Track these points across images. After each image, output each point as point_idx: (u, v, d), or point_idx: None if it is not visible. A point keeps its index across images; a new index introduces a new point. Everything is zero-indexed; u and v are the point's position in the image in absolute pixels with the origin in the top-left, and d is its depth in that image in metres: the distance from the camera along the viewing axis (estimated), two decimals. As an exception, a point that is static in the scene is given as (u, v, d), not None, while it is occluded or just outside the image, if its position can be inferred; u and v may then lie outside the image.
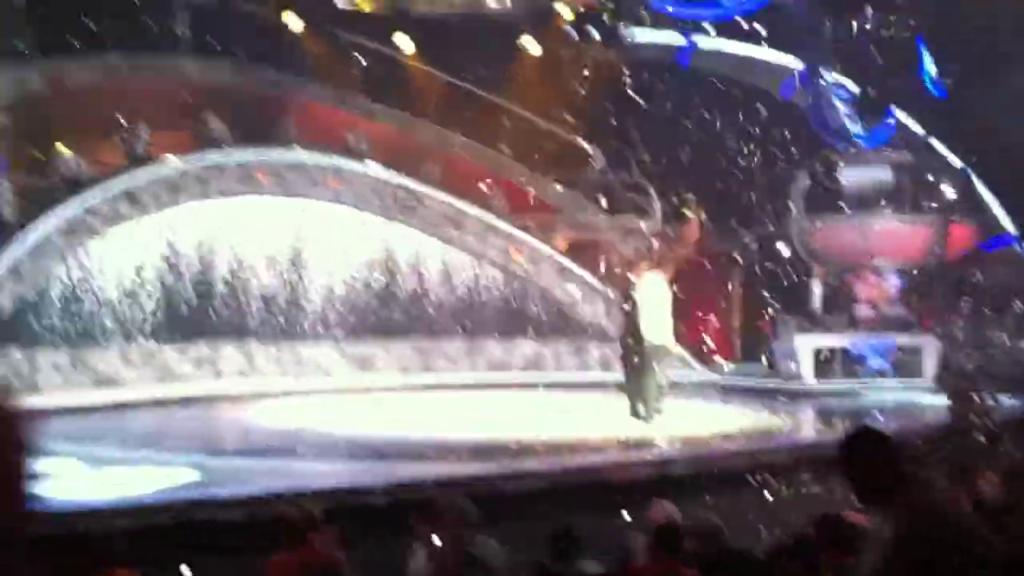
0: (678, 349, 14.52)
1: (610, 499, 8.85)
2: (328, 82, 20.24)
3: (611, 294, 17.11)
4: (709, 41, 22.34)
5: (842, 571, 4.94)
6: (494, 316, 18.85)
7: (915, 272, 19.27)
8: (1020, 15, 18.96)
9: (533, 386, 16.93)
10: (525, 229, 19.29)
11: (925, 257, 19.09)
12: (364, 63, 20.68)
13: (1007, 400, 13.99)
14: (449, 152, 20.50)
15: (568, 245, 19.64)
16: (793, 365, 18.03)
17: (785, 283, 19.78)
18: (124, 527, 7.31)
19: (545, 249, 19.17)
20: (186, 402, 14.80)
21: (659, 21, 22.15)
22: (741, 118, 20.96)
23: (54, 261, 15.12)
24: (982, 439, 11.27)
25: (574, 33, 22.10)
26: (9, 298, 14.47)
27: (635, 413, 12.76)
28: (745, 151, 20.83)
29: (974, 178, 20.28)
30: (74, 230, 15.29)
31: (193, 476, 9.48)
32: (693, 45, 22.23)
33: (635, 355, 12.82)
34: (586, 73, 21.83)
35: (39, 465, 2.82)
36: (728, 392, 16.71)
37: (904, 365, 17.83)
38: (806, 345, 18.00)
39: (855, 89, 21.32)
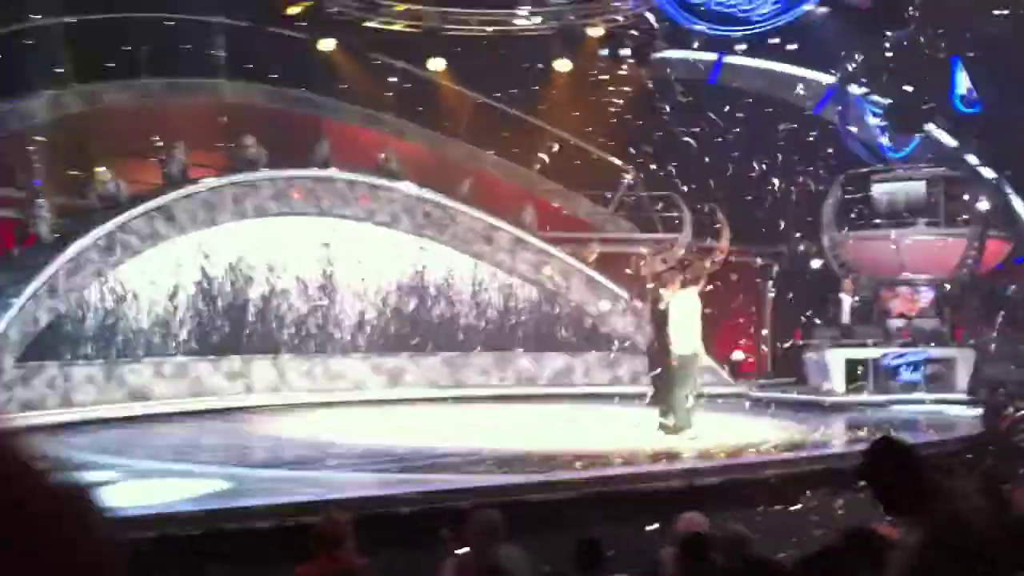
0: (708, 361, 14.48)
1: (638, 511, 8.87)
2: (361, 102, 20.45)
3: (641, 307, 17.10)
4: (740, 58, 22.38)
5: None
6: (524, 330, 18.92)
7: (948, 285, 19.15)
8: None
9: (562, 398, 16.98)
10: (556, 244, 19.36)
11: (958, 270, 18.97)
12: (396, 83, 20.88)
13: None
14: (480, 170, 20.65)
15: (599, 259, 19.68)
16: (825, 378, 17.96)
17: (817, 296, 19.72)
18: (155, 536, 7.41)
19: (576, 264, 19.22)
20: (217, 414, 14.96)
21: (690, 39, 22.20)
22: (772, 133, 20.96)
23: (90, 278, 15.33)
24: (1014, 451, 11.19)
25: (605, 51, 22.22)
26: (46, 313, 14.68)
27: (664, 426, 12.77)
28: (776, 166, 20.82)
29: (1008, 191, 20.13)
30: (110, 247, 15.49)
31: (223, 486, 9.57)
32: (723, 62, 22.28)
33: (664, 368, 12.83)
34: (617, 91, 21.93)
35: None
36: (758, 405, 16.67)
37: (936, 378, 17.72)
38: (838, 358, 17.93)
39: (886, 104, 21.25)
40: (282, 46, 20.05)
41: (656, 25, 21.74)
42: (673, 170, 21.06)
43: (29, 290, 14.32)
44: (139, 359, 15.70)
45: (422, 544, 7.25)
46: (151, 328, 15.95)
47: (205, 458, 11.52)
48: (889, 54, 20.95)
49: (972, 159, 20.40)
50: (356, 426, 14.34)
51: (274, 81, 19.69)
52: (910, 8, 20.14)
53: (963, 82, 20.48)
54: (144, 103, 18.05)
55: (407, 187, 18.39)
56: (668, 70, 22.12)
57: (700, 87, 22.07)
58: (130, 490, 9.29)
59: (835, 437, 13.12)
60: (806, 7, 20.52)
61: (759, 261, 21.00)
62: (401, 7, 21.07)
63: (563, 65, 21.95)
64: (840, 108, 21.66)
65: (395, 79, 20.91)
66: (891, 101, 21.01)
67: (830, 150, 21.07)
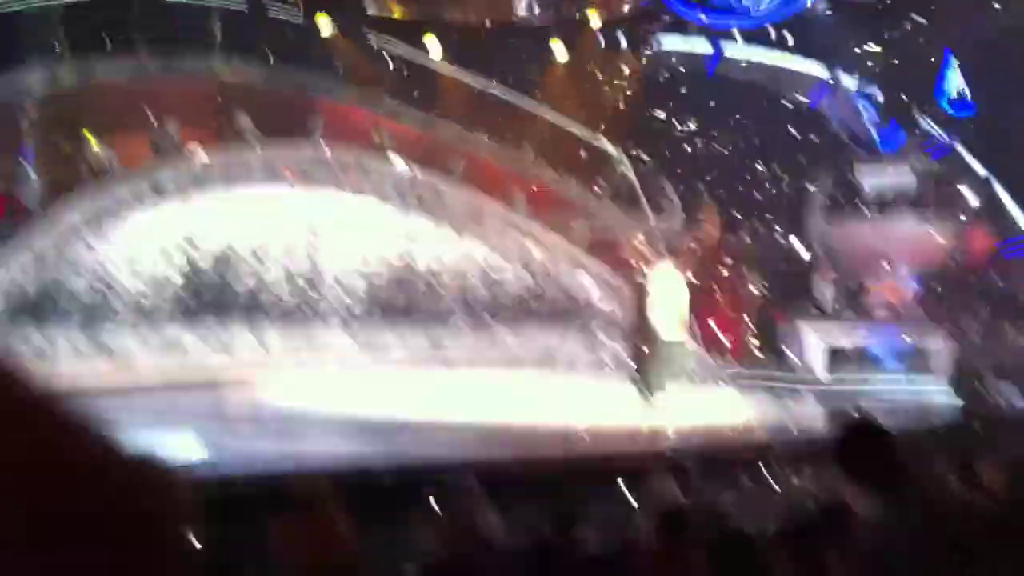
0: (691, 342, 14.59)
1: (615, 483, 8.97)
2: (355, 84, 20.49)
3: (627, 288, 17.20)
4: (736, 49, 22.47)
5: (843, 558, 5.03)
6: (509, 308, 19.00)
7: (933, 275, 19.30)
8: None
9: (545, 375, 17.07)
10: (545, 225, 19.43)
11: (943, 261, 19.13)
12: (392, 66, 20.93)
13: (1018, 398, 14.03)
14: (472, 152, 20.70)
15: (587, 242, 19.77)
16: (806, 361, 18.11)
17: (801, 282, 19.86)
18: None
19: (564, 245, 19.30)
20: (199, 382, 14.96)
21: (687, 29, 22.30)
22: (764, 122, 21.09)
23: (77, 247, 15.38)
24: (991, 436, 11.32)
25: (602, 40, 22.31)
26: (32, 282, 14.74)
27: (644, 402, 12.87)
28: (768, 154, 20.96)
29: (996, 185, 20.29)
30: (98, 218, 15.55)
31: (203, 454, 9.63)
32: (720, 53, 22.37)
33: (646, 346, 12.93)
34: (612, 79, 22.03)
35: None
36: (739, 385, 16.79)
37: (919, 365, 17.87)
38: (820, 342, 18.08)
39: (880, 96, 21.39)
40: (277, 26, 20.11)
41: (655, 15, 21.86)
42: (665, 157, 21.19)
43: (15, 260, 14.38)
44: (124, 329, 15.73)
45: (402, 513, 7.33)
46: (136, 299, 15.99)
47: (186, 426, 11.57)
48: (884, 49, 21.10)
49: (963, 152, 20.57)
50: (338, 396, 14.41)
51: (268, 60, 19.71)
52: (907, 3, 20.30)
53: (955, 82, 20.61)
54: (138, 79, 18.06)
55: (398, 167, 18.45)
56: (664, 59, 22.24)
57: (698, 78, 22.20)
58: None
59: (814, 419, 13.21)
60: (808, 2, 20.67)
61: (745, 245, 21.10)
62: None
63: (561, 52, 22.04)
64: (834, 101, 21.81)
65: (390, 60, 20.95)
66: (884, 95, 21.16)
67: (822, 141, 21.23)
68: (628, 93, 22.00)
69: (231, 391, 14.59)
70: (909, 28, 21.22)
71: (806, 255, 20.42)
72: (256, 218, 17.08)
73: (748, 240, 20.89)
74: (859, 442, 3.97)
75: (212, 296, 16.71)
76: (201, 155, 16.85)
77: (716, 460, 10.29)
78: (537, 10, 22.29)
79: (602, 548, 6.30)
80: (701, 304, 16.12)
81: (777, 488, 9.91)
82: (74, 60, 17.66)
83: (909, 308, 19.09)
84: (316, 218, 17.69)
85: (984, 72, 20.19)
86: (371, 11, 21.80)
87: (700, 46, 22.48)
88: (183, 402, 13.53)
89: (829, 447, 4.10)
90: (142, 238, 16.07)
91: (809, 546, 5.41)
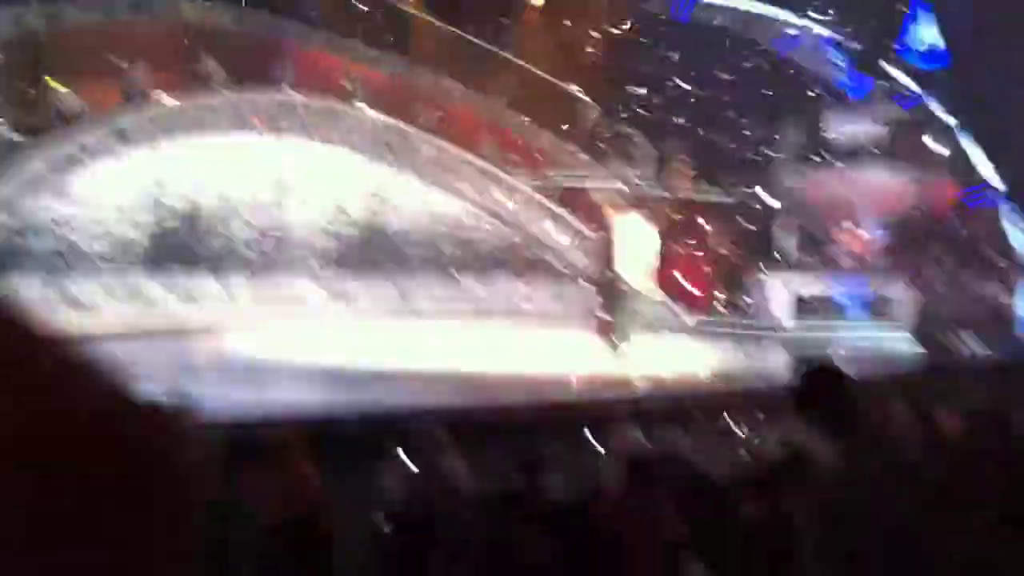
0: (658, 291, 14.69)
1: (580, 430, 9.06)
2: (328, 29, 20.25)
3: (596, 237, 17.25)
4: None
5: (805, 502, 5.14)
6: (478, 257, 19.01)
7: (898, 224, 19.43)
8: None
9: (513, 325, 17.13)
10: (515, 174, 19.41)
11: (909, 210, 19.26)
12: (365, 10, 20.66)
13: (979, 347, 14.24)
14: (444, 99, 20.57)
15: (557, 190, 19.77)
16: (772, 310, 18.27)
17: (768, 231, 19.97)
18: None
19: (535, 195, 19.30)
20: (166, 332, 14.89)
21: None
22: (735, 70, 21.05)
23: (44, 194, 15.25)
24: (952, 383, 11.48)
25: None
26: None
27: (611, 351, 12.97)
28: (737, 102, 20.95)
29: (963, 135, 20.39)
30: (65, 165, 15.41)
31: (171, 403, 9.64)
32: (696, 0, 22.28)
33: (614, 296, 13.01)
34: (586, 25, 21.89)
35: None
36: (706, 334, 16.94)
37: (882, 313, 18.07)
38: (785, 291, 18.24)
39: (850, 45, 21.39)
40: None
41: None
42: (636, 106, 21.14)
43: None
44: (90, 277, 15.63)
45: (370, 459, 7.39)
46: (102, 246, 15.89)
47: (154, 375, 11.53)
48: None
49: (931, 102, 20.63)
50: (306, 346, 14.42)
51: (238, 3, 19.43)
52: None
53: (927, 35, 20.61)
54: (106, 23, 17.78)
55: (368, 114, 18.33)
56: (638, 4, 22.12)
57: (670, 24, 22.10)
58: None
59: (779, 366, 13.35)
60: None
61: (714, 196, 21.17)
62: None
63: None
64: (805, 49, 21.78)
65: (363, 5, 20.70)
66: (856, 43, 21.15)
67: (790, 88, 21.23)
68: (601, 40, 21.89)
69: (198, 340, 14.58)
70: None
71: (773, 204, 20.51)
72: (224, 166, 16.97)
73: (716, 189, 20.95)
74: (817, 385, 4.05)
75: (179, 246, 16.63)
76: (168, 101, 16.69)
77: (682, 408, 10.39)
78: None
79: (568, 495, 6.38)
80: (669, 254, 16.22)
81: (742, 435, 10.03)
82: (40, 3, 17.38)
83: (873, 257, 19.26)
84: (285, 167, 17.59)
85: (957, 23, 20.22)
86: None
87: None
88: (149, 351, 13.51)
89: (790, 391, 4.18)
90: (109, 186, 15.94)
91: (773, 491, 5.53)
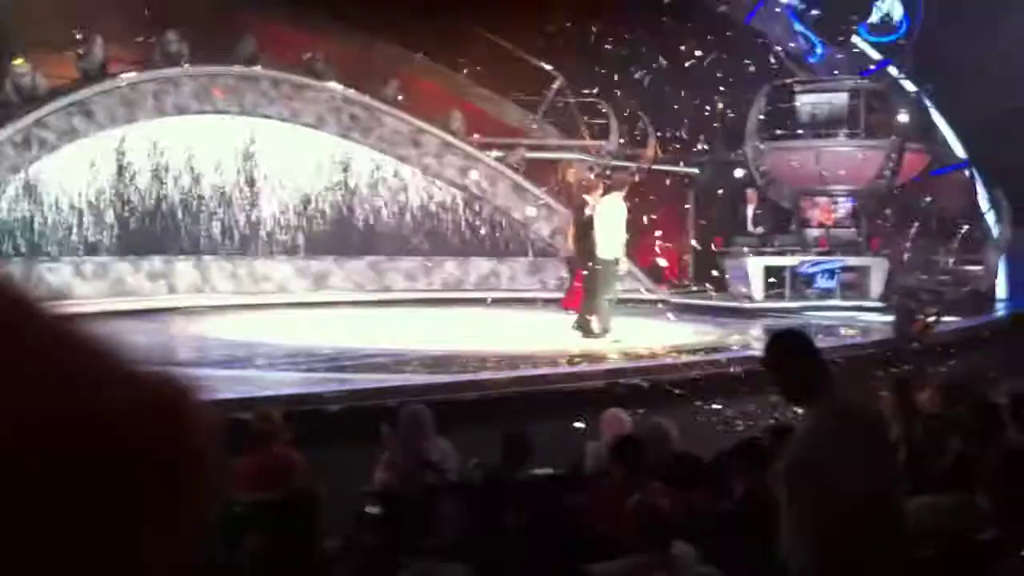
0: (630, 267, 14.69)
1: (562, 408, 9.09)
2: (290, 0, 19.99)
3: (567, 213, 17.24)
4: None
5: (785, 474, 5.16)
6: (450, 235, 18.97)
7: (865, 196, 19.57)
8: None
9: (487, 302, 17.14)
10: (483, 149, 19.33)
11: (875, 181, 19.39)
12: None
13: (949, 319, 14.39)
14: (409, 72, 20.43)
15: (526, 165, 19.72)
16: (743, 284, 18.37)
17: (737, 204, 20.07)
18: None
19: (502, 169, 19.24)
20: (139, 315, 14.71)
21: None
22: (701, 41, 21.03)
23: (6, 174, 15.00)
24: (922, 355, 11.62)
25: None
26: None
27: (583, 328, 12.97)
28: (704, 76, 20.94)
29: (928, 104, 20.52)
30: (27, 143, 15.16)
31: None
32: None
33: (587, 272, 12.99)
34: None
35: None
36: (679, 310, 17.01)
37: (851, 285, 18.23)
38: (756, 265, 18.35)
39: (814, 14, 21.40)
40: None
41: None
42: (601, 77, 21.07)
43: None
44: (58, 259, 15.44)
45: (351, 440, 7.37)
46: (70, 227, 15.69)
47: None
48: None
49: (895, 72, 20.73)
50: (282, 327, 14.33)
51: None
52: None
53: (884, 9, 20.66)
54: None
55: (333, 88, 18.18)
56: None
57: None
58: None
59: (752, 341, 13.46)
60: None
61: (682, 169, 21.21)
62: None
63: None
64: (769, 17, 21.77)
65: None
66: (819, 11, 21.18)
67: (756, 59, 21.24)
68: (564, 9, 21.75)
69: (169, 321, 14.46)
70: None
71: (741, 176, 20.59)
72: (190, 144, 16.77)
73: (684, 162, 21.00)
74: (784, 348, 4.09)
75: (147, 227, 16.45)
76: (129, 76, 16.43)
77: (657, 382, 10.45)
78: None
79: (549, 477, 6.40)
80: (638, 227, 16.20)
81: (717, 409, 10.12)
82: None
83: (842, 228, 19.39)
84: (250, 142, 17.42)
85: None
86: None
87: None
88: (123, 334, 13.37)
89: (759, 360, 4.21)
90: (73, 165, 15.70)
91: (751, 465, 5.56)
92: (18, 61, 15.91)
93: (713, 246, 19.91)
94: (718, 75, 20.68)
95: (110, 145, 16.11)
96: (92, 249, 15.85)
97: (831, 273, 18.32)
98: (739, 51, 20.96)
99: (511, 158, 19.54)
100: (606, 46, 20.85)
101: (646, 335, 13.62)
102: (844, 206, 19.62)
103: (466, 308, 16.80)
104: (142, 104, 16.33)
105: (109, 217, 16.12)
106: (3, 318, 0.75)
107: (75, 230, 15.75)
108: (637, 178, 17.05)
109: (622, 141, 20.11)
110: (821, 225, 19.43)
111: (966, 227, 19.33)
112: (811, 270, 18.39)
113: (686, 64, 20.80)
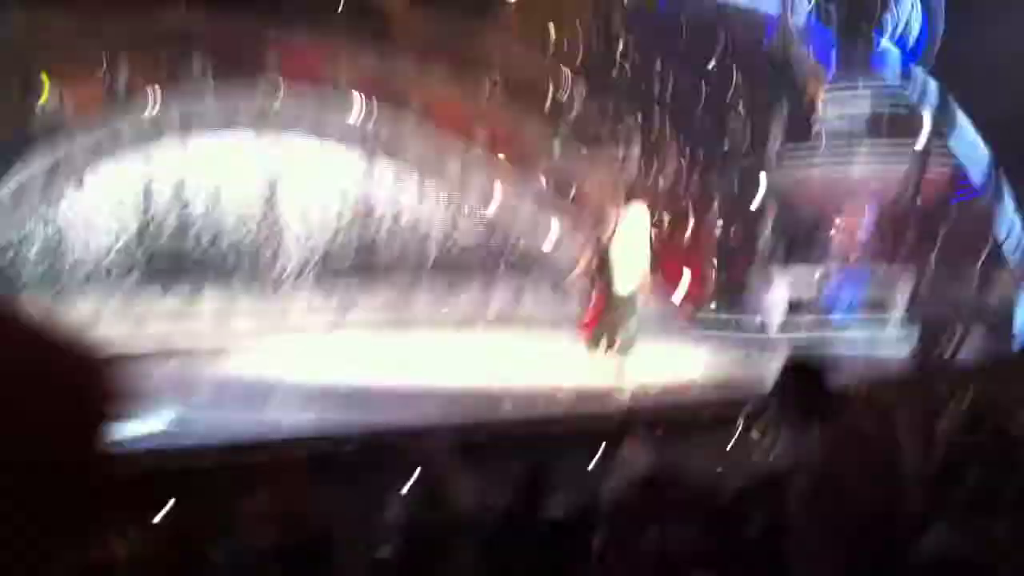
0: (652, 291, 14.62)
1: (581, 443, 9.04)
2: (312, 23, 20.11)
3: (587, 237, 17.20)
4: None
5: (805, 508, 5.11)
6: (472, 258, 18.97)
7: (891, 214, 19.43)
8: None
9: (509, 326, 17.11)
10: (505, 167, 19.34)
11: (901, 199, 19.24)
12: (348, 2, 20.53)
13: (975, 345, 14.25)
14: (430, 91, 20.48)
15: (549, 182, 19.72)
16: (766, 307, 18.26)
17: (760, 227, 19.96)
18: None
19: (525, 187, 19.23)
20: (161, 350, 14.77)
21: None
22: (721, 54, 21.01)
23: (34, 204, 15.14)
24: (947, 380, 11.48)
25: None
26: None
27: (605, 351, 12.88)
28: (726, 89, 20.91)
29: (956, 112, 20.32)
30: (54, 173, 15.30)
31: (166, 424, 9.57)
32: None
33: (609, 295, 12.91)
34: (569, 10, 21.82)
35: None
36: (699, 336, 16.94)
37: (875, 306, 18.08)
38: (780, 286, 18.24)
39: (836, 20, 21.33)
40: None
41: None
42: (624, 94, 21.09)
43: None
44: (82, 292, 15.51)
45: (367, 480, 7.37)
46: (93, 255, 15.78)
47: (148, 394, 11.45)
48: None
49: (921, 83, 20.58)
50: (301, 358, 14.35)
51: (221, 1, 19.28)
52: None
53: (904, 16, 20.55)
54: (88, 24, 17.62)
55: (356, 108, 18.24)
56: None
57: (655, 5, 22.06)
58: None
59: (772, 367, 13.33)
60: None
61: (704, 188, 21.14)
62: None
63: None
64: (791, 29, 21.72)
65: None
66: (838, 25, 21.11)
67: (779, 72, 21.18)
68: (584, 24, 21.82)
69: (195, 357, 14.49)
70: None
71: (765, 198, 20.47)
72: (215, 170, 16.86)
73: (706, 182, 20.92)
74: (794, 377, 4.07)
75: (172, 252, 16.53)
76: (156, 102, 16.56)
77: (679, 414, 10.39)
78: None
79: (568, 507, 6.38)
80: (661, 252, 16.15)
81: (741, 440, 10.04)
82: (22, 7, 17.23)
83: (868, 249, 19.24)
84: (275, 168, 17.49)
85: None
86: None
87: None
88: (143, 369, 13.38)
89: (772, 387, 4.18)
90: (100, 193, 15.82)
91: (775, 498, 5.52)
92: (45, 89, 16.08)
93: (736, 269, 19.80)
94: (738, 92, 20.64)
95: (135, 173, 16.21)
96: (114, 275, 15.92)
97: (854, 293, 18.20)
98: (761, 61, 20.93)
99: (535, 174, 19.53)
100: (624, 60, 20.88)
101: (667, 361, 13.55)
102: (867, 225, 19.48)
103: (488, 333, 16.77)
104: (168, 129, 16.46)
105: (131, 242, 16.20)
106: None
107: (100, 264, 15.84)
108: (659, 200, 16.98)
109: (644, 159, 20.08)
110: (844, 244, 19.31)
111: (986, 253, 19.14)
112: (834, 290, 18.28)
113: (707, 76, 20.80)
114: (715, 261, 20.27)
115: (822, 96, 20.31)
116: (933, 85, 20.39)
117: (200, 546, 5.12)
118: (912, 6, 20.70)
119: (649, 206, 13.99)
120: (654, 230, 14.05)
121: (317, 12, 20.07)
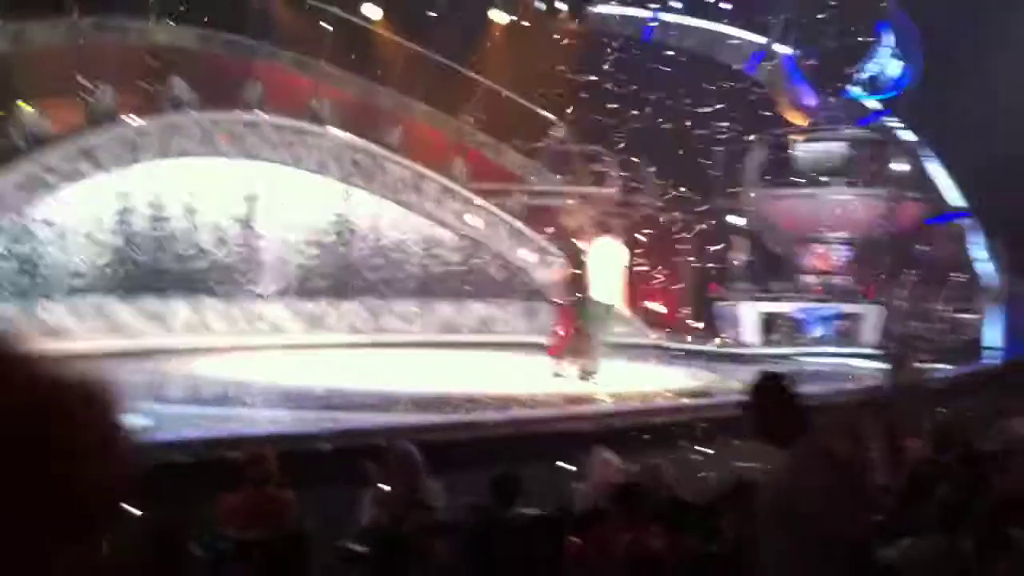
0: (625, 312, 14.76)
1: (552, 450, 9.12)
2: (294, 48, 20.26)
3: (563, 259, 17.34)
4: (674, 16, 22.64)
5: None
6: (447, 278, 19.04)
7: (862, 244, 19.66)
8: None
9: (482, 346, 17.18)
10: (483, 195, 19.47)
11: (873, 229, 19.49)
12: (331, 30, 20.66)
13: (944, 367, 14.41)
14: (411, 119, 20.64)
15: (525, 211, 19.86)
16: (738, 330, 18.42)
17: (734, 251, 20.14)
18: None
19: (502, 215, 19.37)
20: (135, 354, 14.67)
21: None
22: (702, 91, 21.28)
23: (9, 215, 15.12)
24: (915, 404, 11.64)
25: (542, 5, 22.29)
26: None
27: (580, 369, 12.98)
28: (704, 123, 21.16)
29: (925, 153, 20.65)
30: (31, 186, 15.30)
31: (142, 423, 9.57)
32: (658, 19, 22.53)
33: (582, 316, 13.03)
34: (551, 44, 22.04)
35: None
36: (673, 355, 17.06)
37: (846, 332, 18.27)
38: (751, 311, 18.41)
39: (814, 65, 21.64)
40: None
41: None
42: (603, 124, 21.30)
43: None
44: (56, 299, 15.47)
45: (342, 480, 7.41)
46: (69, 268, 15.75)
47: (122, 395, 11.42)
48: (820, 15, 21.29)
49: (892, 122, 20.90)
50: (275, 367, 14.36)
51: (205, 23, 19.42)
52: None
53: (888, 54, 20.86)
54: (72, 42, 17.70)
55: (336, 134, 18.35)
56: (603, 25, 22.33)
57: (634, 44, 22.32)
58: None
59: (742, 385, 13.42)
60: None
61: (679, 215, 21.33)
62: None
63: (499, 17, 22.01)
64: (769, 68, 22.02)
65: (328, 25, 20.69)
66: (819, 63, 21.42)
67: (756, 109, 21.46)
68: (566, 58, 22.05)
69: (168, 363, 14.47)
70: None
71: (739, 224, 20.70)
72: (191, 186, 16.90)
73: (682, 209, 21.11)
74: (765, 393, 4.14)
75: (149, 269, 16.51)
76: (135, 122, 16.60)
77: (651, 429, 10.47)
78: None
79: (539, 517, 6.43)
80: (636, 274, 16.33)
81: (711, 454, 10.14)
82: (6, 21, 17.28)
83: (838, 275, 19.46)
84: (253, 188, 17.54)
85: (918, 43, 20.54)
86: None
87: (638, 12, 22.68)
88: (119, 374, 13.37)
89: (740, 403, 4.26)
90: (75, 206, 15.82)
91: (741, 507, 5.60)
92: (25, 107, 16.09)
93: (710, 292, 19.97)
94: (716, 123, 20.90)
95: (112, 187, 16.23)
96: (89, 289, 15.89)
97: (826, 320, 18.39)
98: (737, 100, 21.21)
99: (511, 204, 19.68)
100: (606, 92, 21.11)
101: (638, 378, 13.65)
102: (840, 253, 19.71)
103: (461, 352, 16.84)
104: (147, 148, 16.48)
105: (108, 257, 16.18)
106: None
107: (74, 270, 15.80)
108: (635, 224, 17.15)
109: (621, 188, 20.26)
110: (817, 272, 19.52)
111: (959, 276, 19.38)
112: (806, 317, 18.46)
113: (686, 112, 21.04)
114: (690, 283, 20.44)
115: (800, 137, 20.60)
116: (908, 133, 20.73)
117: (179, 543, 5.13)
118: (892, 56, 21.04)
119: (624, 231, 14.15)
120: (628, 255, 14.18)
121: (300, 40, 20.24)
